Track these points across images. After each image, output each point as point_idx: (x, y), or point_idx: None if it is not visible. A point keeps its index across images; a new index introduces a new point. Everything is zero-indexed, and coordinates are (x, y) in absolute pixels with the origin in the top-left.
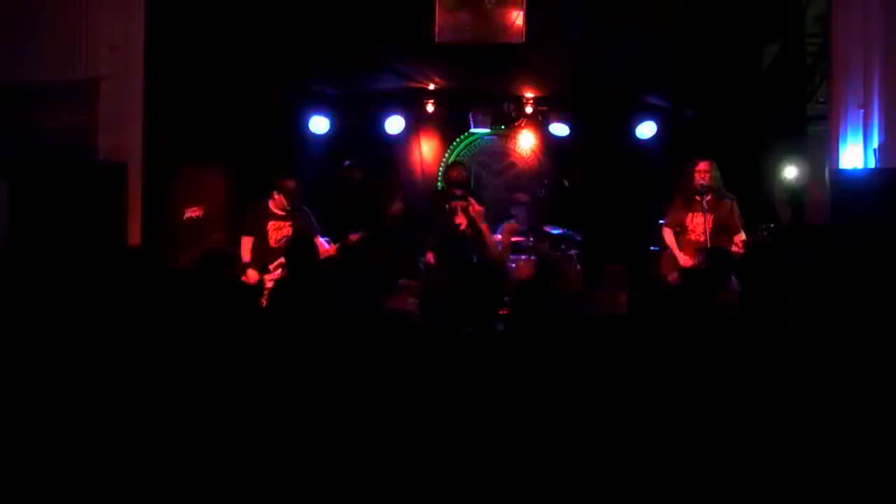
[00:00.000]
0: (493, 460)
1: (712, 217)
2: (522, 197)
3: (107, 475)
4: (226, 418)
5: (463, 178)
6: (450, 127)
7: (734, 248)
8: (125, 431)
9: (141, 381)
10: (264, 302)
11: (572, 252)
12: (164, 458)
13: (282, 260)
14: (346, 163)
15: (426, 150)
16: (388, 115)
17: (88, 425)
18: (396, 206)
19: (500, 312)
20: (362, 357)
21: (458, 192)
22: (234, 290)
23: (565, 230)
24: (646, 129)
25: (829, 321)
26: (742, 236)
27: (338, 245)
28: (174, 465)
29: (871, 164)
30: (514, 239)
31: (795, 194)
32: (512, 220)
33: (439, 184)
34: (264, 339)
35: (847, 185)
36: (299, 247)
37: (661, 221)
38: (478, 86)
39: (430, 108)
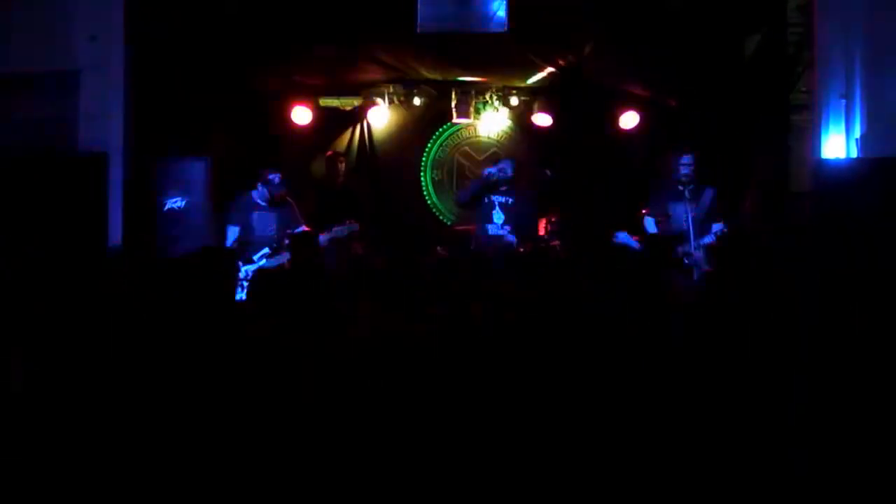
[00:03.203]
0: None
1: (695, 205)
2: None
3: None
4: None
5: None
6: (432, 117)
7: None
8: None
9: (132, 380)
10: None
11: (555, 242)
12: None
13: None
14: (329, 154)
15: (408, 140)
16: (371, 105)
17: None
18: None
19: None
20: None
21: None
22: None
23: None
24: (628, 120)
25: (811, 309)
26: (722, 227)
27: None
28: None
29: (854, 153)
30: None
31: (778, 184)
32: None
33: (422, 176)
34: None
35: (829, 174)
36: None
37: (643, 211)
38: (460, 76)
39: (412, 98)
